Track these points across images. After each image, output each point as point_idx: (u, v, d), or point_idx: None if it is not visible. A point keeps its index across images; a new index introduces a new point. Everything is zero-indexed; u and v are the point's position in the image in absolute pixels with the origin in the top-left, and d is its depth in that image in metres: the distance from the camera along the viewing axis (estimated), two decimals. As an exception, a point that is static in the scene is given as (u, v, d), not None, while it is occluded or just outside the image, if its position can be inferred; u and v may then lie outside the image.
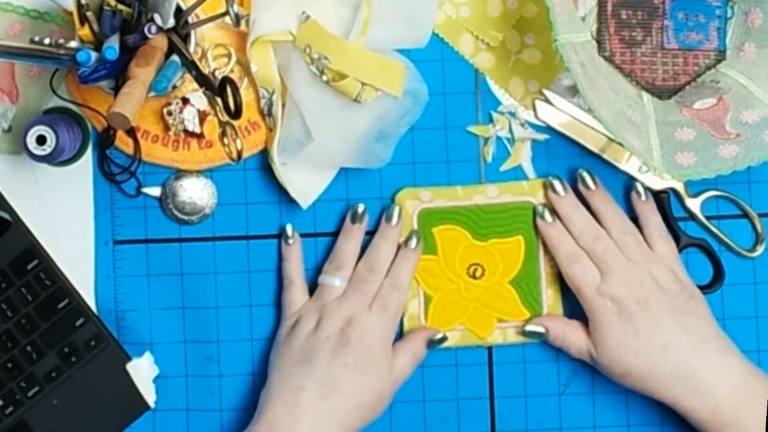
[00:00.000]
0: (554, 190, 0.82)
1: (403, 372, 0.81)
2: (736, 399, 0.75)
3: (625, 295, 0.78)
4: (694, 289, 0.80)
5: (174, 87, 0.81)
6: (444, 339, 0.83)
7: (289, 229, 0.83)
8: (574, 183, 0.84)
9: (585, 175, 0.83)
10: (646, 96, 0.84)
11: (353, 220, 0.83)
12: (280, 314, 0.84)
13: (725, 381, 0.76)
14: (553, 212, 0.83)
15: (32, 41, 0.72)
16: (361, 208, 0.83)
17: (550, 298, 0.84)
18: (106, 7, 0.73)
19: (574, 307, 0.82)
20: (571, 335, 0.81)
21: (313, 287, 0.83)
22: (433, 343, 0.82)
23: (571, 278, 0.80)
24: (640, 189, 0.83)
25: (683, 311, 0.78)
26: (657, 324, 0.77)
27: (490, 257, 0.84)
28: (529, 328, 0.82)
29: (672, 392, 0.77)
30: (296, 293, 0.83)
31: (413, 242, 0.82)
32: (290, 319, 0.82)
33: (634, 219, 0.83)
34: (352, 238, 0.82)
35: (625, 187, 0.85)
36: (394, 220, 0.82)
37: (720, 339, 0.78)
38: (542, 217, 0.82)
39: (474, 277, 0.84)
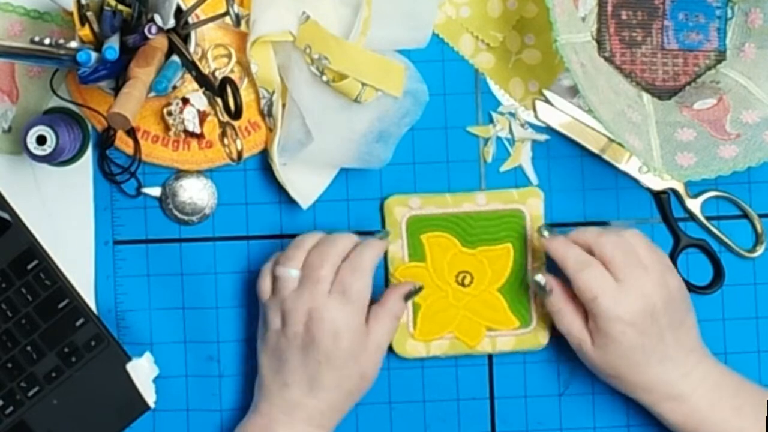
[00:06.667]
0: (544, 236, 0.80)
1: (384, 338, 0.78)
2: (712, 400, 0.76)
3: (642, 308, 0.74)
4: (688, 295, 0.79)
5: (174, 87, 0.81)
6: (420, 288, 0.80)
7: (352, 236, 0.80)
8: (573, 185, 0.84)
9: (543, 230, 0.80)
10: (646, 96, 0.84)
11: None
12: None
13: (703, 384, 0.77)
14: (551, 227, 0.80)
15: (32, 41, 0.72)
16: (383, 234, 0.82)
17: (538, 306, 0.84)
18: (106, 8, 0.73)
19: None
20: (569, 315, 0.77)
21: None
22: (409, 296, 0.80)
23: (582, 286, 0.75)
24: (545, 232, 0.80)
25: (681, 325, 0.77)
26: (660, 340, 0.76)
27: (479, 264, 0.84)
28: (538, 277, 0.78)
29: (649, 397, 0.77)
30: (265, 282, 0.79)
31: (380, 234, 0.81)
32: (261, 309, 0.80)
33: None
34: (312, 235, 0.79)
35: (625, 188, 0.85)
36: (377, 236, 0.81)
37: (701, 347, 0.79)
38: (542, 234, 0.80)
39: (462, 284, 0.83)
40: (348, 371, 0.77)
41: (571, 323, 0.78)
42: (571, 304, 0.78)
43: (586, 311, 0.77)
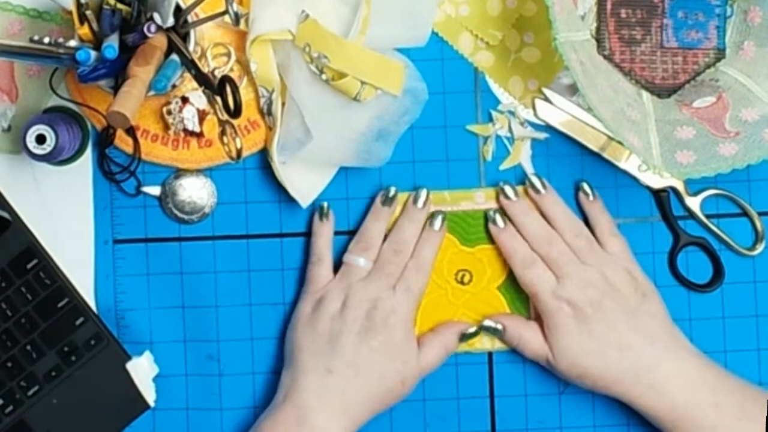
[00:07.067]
0: (506, 196, 0.83)
1: (430, 363, 0.81)
2: (690, 395, 0.77)
3: (580, 299, 0.79)
4: (648, 287, 0.81)
5: (173, 86, 0.81)
6: (477, 333, 0.82)
7: (325, 205, 0.83)
8: (572, 184, 0.84)
9: (534, 179, 0.83)
10: (645, 94, 0.84)
11: (384, 203, 0.82)
12: (281, 312, 0.84)
13: (679, 378, 0.78)
14: (505, 217, 0.83)
15: (32, 40, 0.72)
16: (392, 191, 0.82)
17: None
18: (105, 6, 0.73)
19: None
20: (529, 338, 0.81)
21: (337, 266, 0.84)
22: (464, 338, 0.82)
23: (526, 283, 0.81)
24: (587, 189, 0.83)
25: (636, 311, 0.79)
26: (611, 326, 0.78)
27: (478, 263, 0.84)
28: (487, 323, 0.82)
29: (628, 391, 0.78)
30: (323, 270, 0.82)
31: (437, 223, 0.82)
32: (313, 296, 0.82)
33: (586, 220, 0.83)
34: (380, 220, 0.82)
35: (624, 186, 0.85)
36: (421, 202, 0.82)
37: (674, 337, 0.80)
38: (494, 222, 0.82)
39: (462, 282, 0.84)
40: (394, 366, 0.79)
41: (533, 346, 0.81)
42: (526, 328, 0.82)
43: (538, 328, 0.81)
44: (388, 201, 0.82)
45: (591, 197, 0.83)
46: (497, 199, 0.83)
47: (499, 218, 0.82)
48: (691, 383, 0.77)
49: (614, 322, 0.78)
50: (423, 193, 0.82)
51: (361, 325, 0.79)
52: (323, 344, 0.79)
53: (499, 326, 0.82)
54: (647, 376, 0.78)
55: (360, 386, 0.78)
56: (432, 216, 0.82)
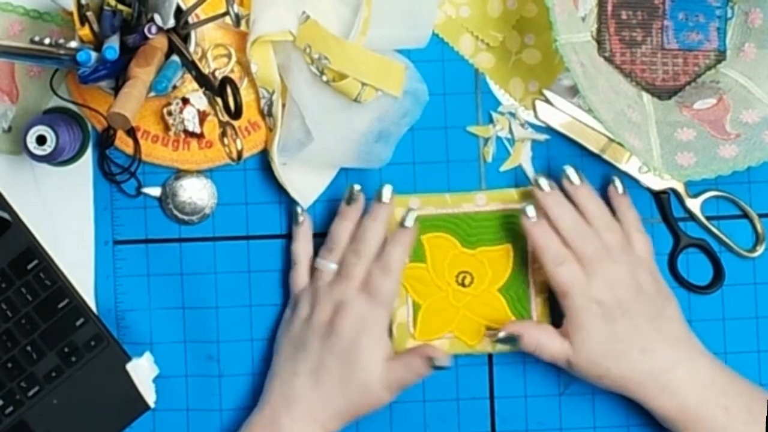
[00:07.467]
0: (540, 187, 0.80)
1: (395, 380, 0.78)
2: (702, 397, 0.77)
3: (609, 299, 0.77)
4: (667, 289, 0.81)
5: (174, 87, 0.81)
6: (446, 367, 0.78)
7: (299, 210, 0.83)
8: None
9: (570, 171, 0.81)
10: (646, 96, 0.84)
11: (348, 201, 0.82)
12: (281, 314, 0.84)
13: (692, 380, 0.77)
14: (538, 210, 0.80)
15: (32, 41, 0.72)
16: (356, 188, 0.81)
17: (538, 306, 0.84)
18: (106, 7, 0.73)
19: (561, 316, 0.80)
20: (546, 341, 0.79)
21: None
22: (434, 366, 0.77)
23: (557, 280, 0.78)
24: (618, 183, 0.82)
25: (659, 315, 0.79)
26: (636, 329, 0.78)
27: (479, 265, 0.84)
28: (503, 334, 0.79)
29: (642, 391, 0.78)
30: (300, 274, 0.82)
31: (409, 220, 0.80)
32: (292, 300, 0.82)
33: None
34: (345, 219, 0.81)
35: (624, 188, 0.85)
36: (385, 197, 0.80)
37: (690, 340, 0.80)
38: (527, 214, 0.79)
39: (463, 284, 0.84)
40: (355, 373, 0.77)
41: (552, 349, 0.79)
42: (541, 332, 0.80)
43: (555, 328, 0.80)
44: (353, 199, 0.81)
45: (621, 191, 0.82)
46: (532, 193, 0.80)
47: (531, 209, 0.79)
48: (703, 385, 0.77)
49: (639, 325, 0.78)
50: (387, 187, 0.81)
51: (326, 329, 0.78)
52: (293, 348, 0.79)
53: (517, 333, 0.79)
54: (665, 378, 0.77)
55: (322, 392, 0.78)
56: (405, 213, 0.80)
